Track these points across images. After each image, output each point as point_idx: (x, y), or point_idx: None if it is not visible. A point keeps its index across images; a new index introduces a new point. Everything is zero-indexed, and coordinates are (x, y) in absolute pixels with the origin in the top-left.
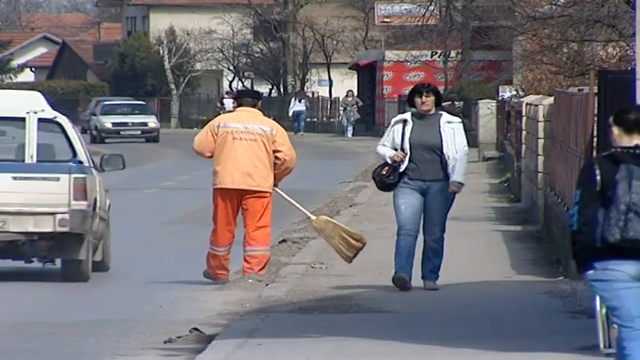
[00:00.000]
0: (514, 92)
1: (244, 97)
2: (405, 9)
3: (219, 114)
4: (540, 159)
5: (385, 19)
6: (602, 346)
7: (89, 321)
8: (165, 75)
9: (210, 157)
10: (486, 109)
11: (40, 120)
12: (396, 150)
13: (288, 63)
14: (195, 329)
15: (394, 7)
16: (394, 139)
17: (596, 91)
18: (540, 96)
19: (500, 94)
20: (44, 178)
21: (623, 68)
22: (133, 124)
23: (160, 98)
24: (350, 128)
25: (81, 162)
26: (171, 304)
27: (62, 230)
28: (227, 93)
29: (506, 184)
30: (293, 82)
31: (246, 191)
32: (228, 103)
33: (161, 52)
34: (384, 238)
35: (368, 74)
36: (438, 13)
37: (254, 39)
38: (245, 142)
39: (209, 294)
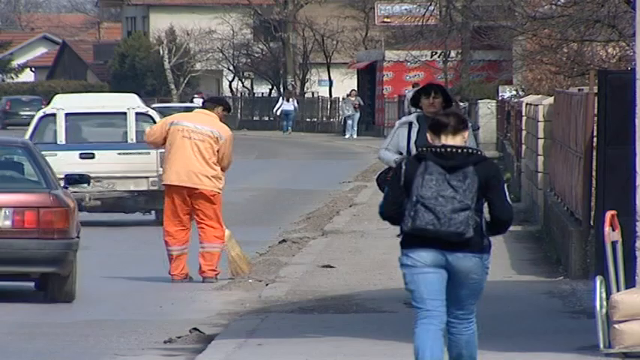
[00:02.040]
0: (514, 92)
1: (207, 102)
2: (405, 9)
3: None
4: (540, 159)
5: (385, 19)
6: (602, 346)
7: (89, 321)
8: (165, 75)
9: (155, 148)
10: (486, 109)
11: (137, 113)
12: (400, 154)
13: (288, 63)
14: (195, 329)
15: (394, 7)
16: (399, 142)
17: (596, 91)
18: (540, 96)
19: (500, 94)
20: (139, 153)
21: (623, 68)
22: None
23: (160, 98)
24: (354, 129)
25: None
26: (172, 304)
27: (153, 189)
28: (197, 93)
29: (506, 184)
30: (293, 82)
31: (193, 190)
32: (198, 102)
33: (161, 52)
34: (383, 238)
35: (368, 74)
36: (438, 13)
37: (254, 39)
38: (193, 141)
39: (209, 294)
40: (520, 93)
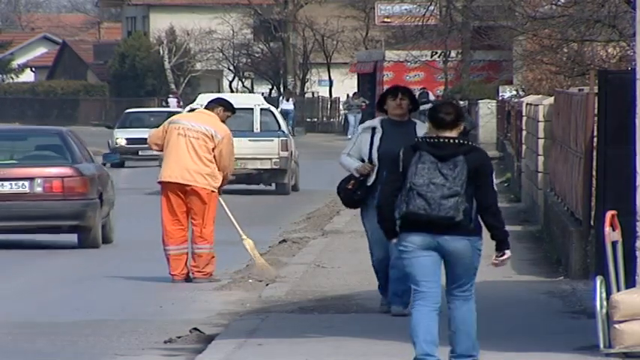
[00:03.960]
0: (514, 92)
1: (210, 102)
2: (405, 9)
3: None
4: (540, 159)
5: (385, 19)
6: (602, 346)
7: (89, 321)
8: (165, 75)
9: (158, 150)
10: (486, 109)
11: (261, 109)
12: (363, 161)
13: (288, 63)
14: (196, 329)
15: (394, 7)
16: (361, 148)
17: (596, 91)
18: (540, 96)
19: (501, 94)
20: (265, 139)
21: (624, 68)
22: None
23: (160, 98)
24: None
25: (284, 131)
26: (172, 304)
27: (275, 167)
28: (172, 93)
29: (506, 184)
30: (293, 82)
31: (186, 187)
32: (173, 102)
33: (161, 52)
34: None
35: (368, 74)
36: (438, 13)
37: (254, 39)
38: (187, 138)
39: (209, 294)
40: (520, 93)
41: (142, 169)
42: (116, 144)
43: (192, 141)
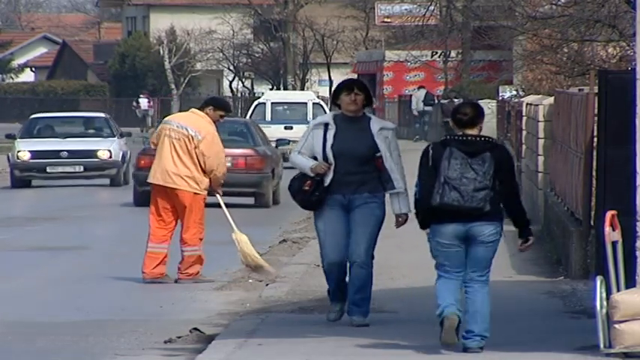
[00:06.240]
0: (514, 92)
1: (202, 103)
2: (406, 9)
3: (135, 112)
4: (540, 159)
5: (385, 19)
6: (602, 346)
7: (89, 321)
8: (165, 75)
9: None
10: (486, 109)
11: (313, 103)
12: (315, 159)
13: (289, 63)
14: (196, 329)
15: (394, 7)
16: (313, 146)
17: (596, 91)
18: (540, 96)
19: (501, 94)
20: None
21: (624, 68)
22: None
23: (160, 98)
24: None
25: None
26: (172, 304)
27: None
28: (142, 93)
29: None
30: (293, 82)
31: (169, 189)
32: (144, 102)
33: (161, 52)
34: (383, 239)
35: (368, 74)
36: (439, 13)
37: (254, 39)
38: (170, 139)
39: (209, 294)
40: (520, 93)
41: (51, 191)
42: (17, 159)
43: (174, 142)
